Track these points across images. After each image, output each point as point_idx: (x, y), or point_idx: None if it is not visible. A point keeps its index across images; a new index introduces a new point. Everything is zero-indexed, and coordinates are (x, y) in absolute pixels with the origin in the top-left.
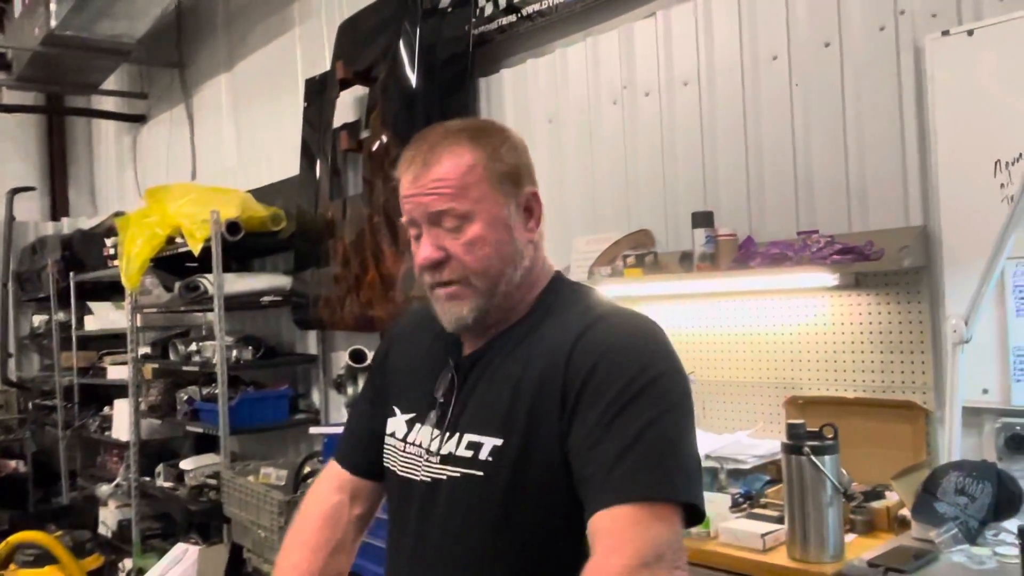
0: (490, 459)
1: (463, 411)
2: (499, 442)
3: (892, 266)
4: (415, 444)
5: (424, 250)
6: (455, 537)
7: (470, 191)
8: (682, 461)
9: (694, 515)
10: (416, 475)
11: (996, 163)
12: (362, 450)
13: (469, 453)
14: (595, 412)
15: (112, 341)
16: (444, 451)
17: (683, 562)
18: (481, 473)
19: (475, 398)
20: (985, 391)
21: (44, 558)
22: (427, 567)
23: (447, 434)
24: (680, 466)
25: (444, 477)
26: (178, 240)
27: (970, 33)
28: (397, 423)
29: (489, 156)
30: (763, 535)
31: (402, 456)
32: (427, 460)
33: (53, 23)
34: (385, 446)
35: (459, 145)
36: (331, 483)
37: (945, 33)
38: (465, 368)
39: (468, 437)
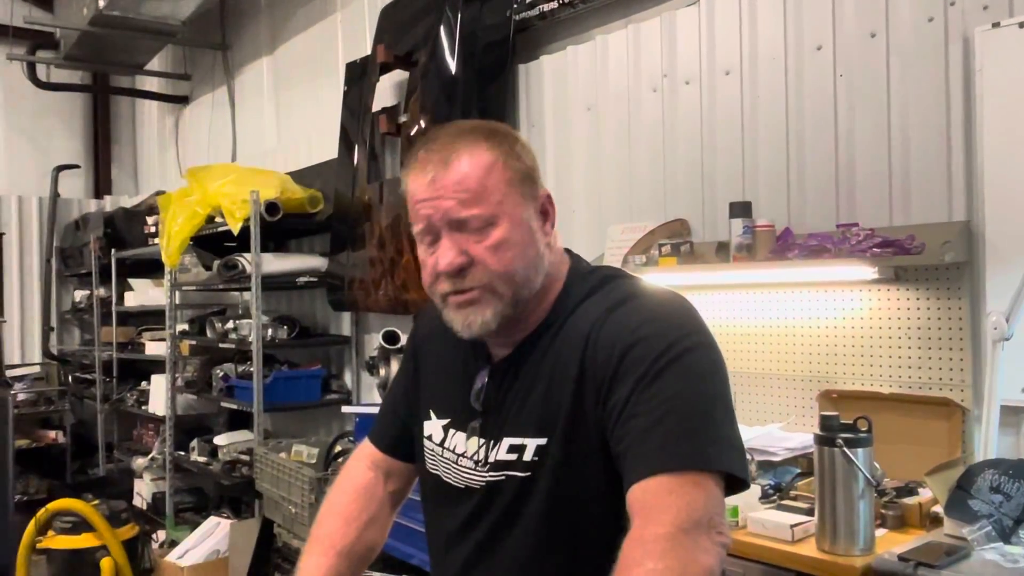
0: (535, 459)
1: (503, 417)
2: (542, 442)
3: (933, 261)
4: (454, 451)
5: (446, 255)
6: (512, 539)
7: (492, 193)
8: (713, 431)
9: (735, 484)
10: (465, 482)
11: None
12: (394, 432)
13: (513, 456)
14: (625, 390)
15: (151, 317)
16: (491, 459)
17: (724, 527)
18: (528, 474)
19: (513, 403)
20: None
21: (81, 526)
22: (485, 569)
23: (492, 442)
24: (711, 435)
25: (488, 482)
26: (218, 219)
27: (1021, 25)
28: (433, 427)
29: (507, 155)
30: (792, 526)
31: (443, 461)
32: (476, 469)
33: (101, 3)
34: (425, 450)
35: (477, 144)
36: (365, 460)
37: (996, 25)
38: (499, 375)
39: (509, 441)
